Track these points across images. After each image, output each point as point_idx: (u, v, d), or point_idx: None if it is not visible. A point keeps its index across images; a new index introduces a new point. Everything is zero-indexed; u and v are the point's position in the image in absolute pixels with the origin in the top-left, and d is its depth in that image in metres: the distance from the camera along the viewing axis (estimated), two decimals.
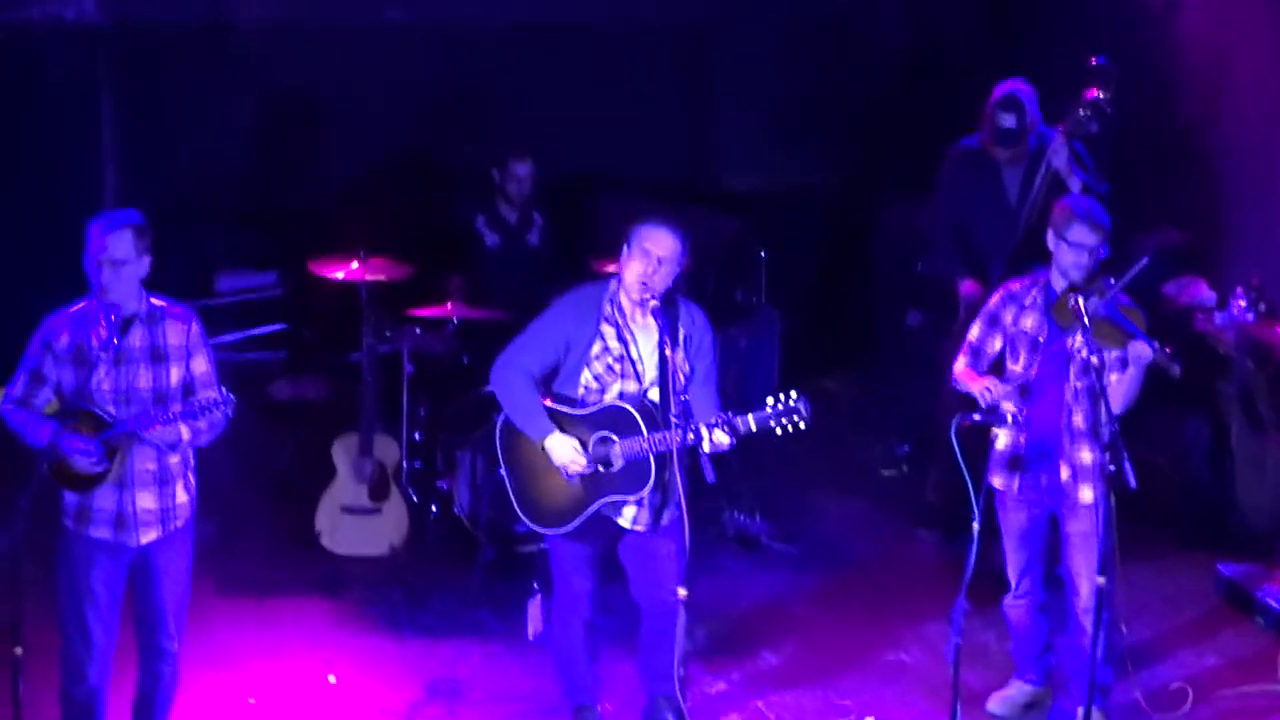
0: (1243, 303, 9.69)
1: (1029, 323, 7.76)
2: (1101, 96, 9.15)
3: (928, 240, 10.17)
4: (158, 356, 7.04)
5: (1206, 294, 10.28)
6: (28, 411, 7.00)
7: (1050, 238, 7.73)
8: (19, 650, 6.78)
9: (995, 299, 7.92)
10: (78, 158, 11.64)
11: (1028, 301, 7.79)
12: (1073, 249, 7.63)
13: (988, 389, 7.64)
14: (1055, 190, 9.12)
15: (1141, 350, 7.42)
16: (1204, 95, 10.93)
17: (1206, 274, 10.36)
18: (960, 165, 9.82)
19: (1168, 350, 7.40)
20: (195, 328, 7.17)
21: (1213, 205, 10.66)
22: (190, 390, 7.13)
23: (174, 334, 7.10)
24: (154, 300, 7.07)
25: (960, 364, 7.91)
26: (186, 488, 7.25)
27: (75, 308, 7.04)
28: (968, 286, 9.68)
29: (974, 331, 7.92)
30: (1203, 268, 10.36)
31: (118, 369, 6.96)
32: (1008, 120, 9.53)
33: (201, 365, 7.17)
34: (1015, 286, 7.89)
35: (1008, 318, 7.82)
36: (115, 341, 6.92)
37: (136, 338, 7.00)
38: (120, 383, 6.97)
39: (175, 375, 7.09)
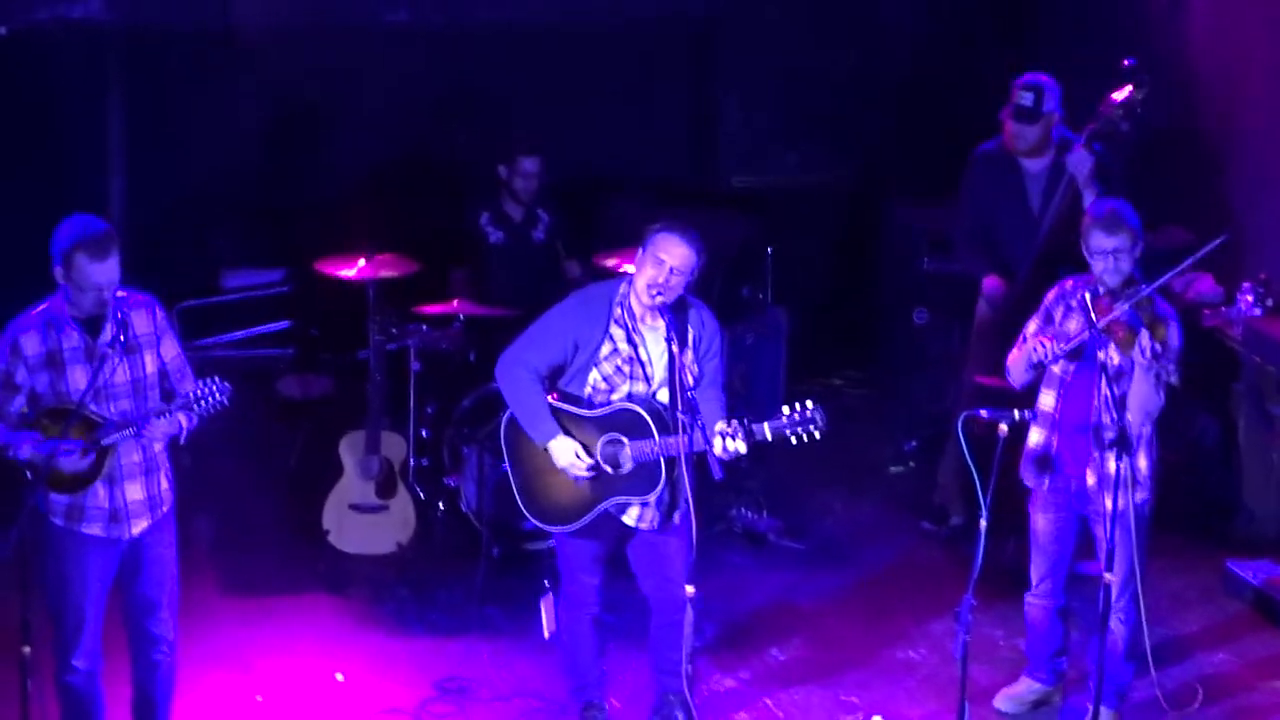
0: (1249, 298, 9.67)
1: (1072, 325, 7.71)
2: (1133, 96, 9.07)
3: (953, 243, 10.12)
4: (130, 348, 7.02)
5: (1213, 289, 10.26)
6: (4, 424, 6.96)
7: (1084, 249, 7.71)
8: (27, 649, 6.79)
9: (1051, 295, 7.87)
10: (86, 157, 11.65)
11: (1074, 303, 7.76)
12: (1097, 256, 7.60)
13: (1040, 343, 7.61)
14: (1078, 201, 9.07)
15: (1142, 344, 7.40)
16: (1212, 93, 10.92)
17: (1213, 269, 10.34)
18: (981, 169, 9.71)
19: (1164, 355, 7.40)
20: (159, 312, 7.18)
21: (1220, 201, 10.64)
22: (165, 376, 7.15)
23: (141, 322, 7.09)
24: (117, 293, 7.00)
25: (1014, 354, 7.87)
26: (168, 475, 7.27)
27: (39, 309, 7.00)
28: (991, 282, 9.60)
29: (1031, 327, 7.85)
30: (1209, 263, 10.33)
31: (92, 366, 6.93)
32: (1025, 98, 9.39)
33: (171, 349, 7.19)
34: (1069, 285, 7.82)
35: (1057, 315, 7.79)
36: (123, 339, 6.91)
37: (108, 334, 6.97)
38: (97, 379, 6.93)
39: (150, 364, 7.10)
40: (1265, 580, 9.19)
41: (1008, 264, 9.52)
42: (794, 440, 7.21)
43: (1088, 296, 7.51)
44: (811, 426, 7.19)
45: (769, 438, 7.24)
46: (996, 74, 9.96)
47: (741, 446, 7.23)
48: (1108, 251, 7.56)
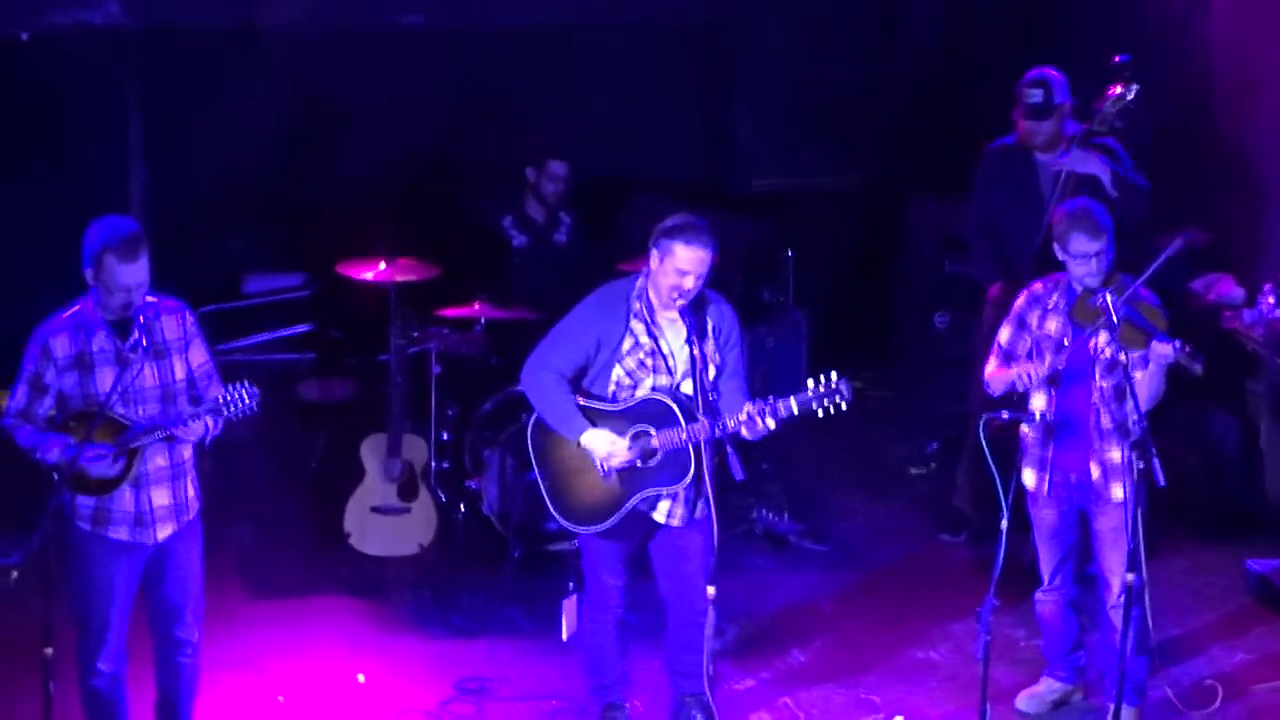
0: (1271, 299, 9.64)
1: (1052, 326, 7.73)
2: (1125, 93, 9.10)
3: (967, 241, 10.12)
4: (159, 353, 7.05)
5: (1234, 290, 10.25)
6: (33, 426, 6.99)
7: (1057, 250, 7.69)
8: (49, 651, 6.80)
9: (1021, 301, 7.89)
10: (105, 161, 11.69)
11: (1050, 304, 7.76)
12: (1077, 260, 7.59)
13: (1026, 373, 7.63)
14: (1078, 192, 9.05)
15: (1163, 350, 7.38)
16: (1231, 94, 10.91)
17: (1235, 271, 10.33)
18: (993, 164, 9.72)
19: (1189, 349, 7.36)
20: (190, 318, 7.19)
21: (1240, 202, 10.63)
22: (192, 383, 7.16)
23: (171, 328, 7.10)
24: (147, 298, 7.03)
25: (991, 365, 7.89)
26: (194, 481, 7.28)
27: (70, 312, 7.02)
28: (995, 289, 9.62)
29: (1003, 335, 7.89)
30: (1231, 264, 10.32)
31: (122, 371, 6.94)
32: (1034, 95, 9.41)
33: (199, 355, 7.19)
34: (1038, 288, 7.85)
35: (1033, 320, 7.80)
36: (144, 342, 6.93)
37: (133, 337, 6.98)
38: (126, 383, 6.95)
39: (179, 369, 7.11)
40: None
41: (1013, 259, 9.51)
42: (821, 413, 7.19)
43: (1109, 299, 7.49)
44: (838, 397, 7.17)
45: (795, 412, 7.22)
46: (1011, 74, 9.94)
47: (770, 423, 7.23)
48: (1090, 255, 7.55)
